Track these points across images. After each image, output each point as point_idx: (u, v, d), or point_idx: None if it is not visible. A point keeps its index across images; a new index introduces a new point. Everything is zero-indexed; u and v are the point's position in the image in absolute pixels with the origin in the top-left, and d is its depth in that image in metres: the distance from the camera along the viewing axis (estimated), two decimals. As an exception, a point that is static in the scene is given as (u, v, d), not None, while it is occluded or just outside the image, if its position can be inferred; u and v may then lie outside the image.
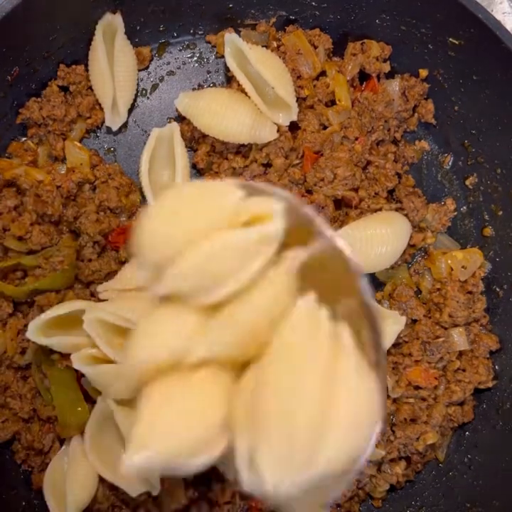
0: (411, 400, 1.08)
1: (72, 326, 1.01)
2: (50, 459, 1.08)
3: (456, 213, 1.18)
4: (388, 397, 1.10)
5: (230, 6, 1.14)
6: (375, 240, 1.07)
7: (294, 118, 1.09)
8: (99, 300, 1.07)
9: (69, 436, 1.05)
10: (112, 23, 1.07)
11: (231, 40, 1.07)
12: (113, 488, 1.05)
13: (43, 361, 1.06)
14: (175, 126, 1.11)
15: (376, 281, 1.14)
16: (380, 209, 1.13)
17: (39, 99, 1.11)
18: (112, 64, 1.07)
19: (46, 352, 1.06)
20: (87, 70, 1.12)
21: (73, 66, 1.12)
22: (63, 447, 1.07)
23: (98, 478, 1.04)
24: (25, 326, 1.08)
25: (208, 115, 1.05)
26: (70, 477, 1.02)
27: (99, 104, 1.13)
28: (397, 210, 1.14)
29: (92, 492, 1.03)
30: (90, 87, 1.13)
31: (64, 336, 0.99)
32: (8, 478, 1.08)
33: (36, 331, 0.99)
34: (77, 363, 0.97)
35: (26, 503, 1.08)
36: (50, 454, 1.08)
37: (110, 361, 0.98)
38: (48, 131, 1.12)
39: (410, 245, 1.15)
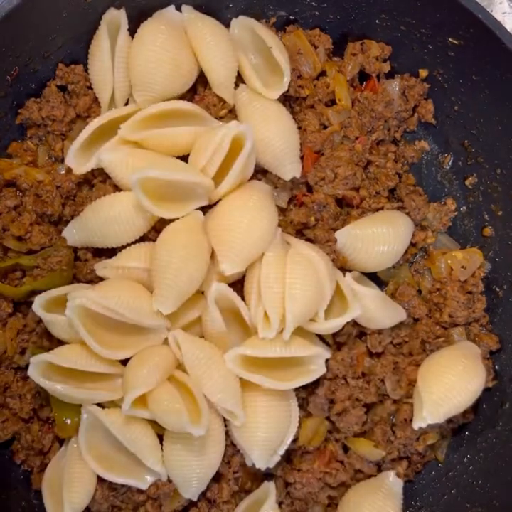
0: (411, 401, 1.08)
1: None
2: (49, 459, 1.08)
3: (456, 213, 1.18)
4: (388, 397, 1.10)
5: (230, 5, 1.14)
6: (377, 238, 1.07)
7: (286, 87, 1.07)
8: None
9: (68, 436, 1.05)
10: (115, 18, 1.07)
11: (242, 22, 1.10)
12: (112, 488, 1.04)
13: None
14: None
15: (378, 281, 1.14)
16: (382, 208, 1.13)
17: (38, 100, 1.11)
18: (113, 59, 1.07)
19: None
20: (85, 70, 1.12)
21: (72, 66, 1.12)
22: (63, 448, 1.08)
23: (96, 479, 1.04)
24: (25, 326, 1.08)
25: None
26: (66, 478, 1.02)
27: (97, 104, 1.13)
28: (398, 209, 1.14)
29: (89, 493, 1.03)
30: (88, 87, 1.13)
31: (61, 316, 0.99)
32: (8, 478, 1.08)
33: (40, 305, 0.99)
34: (34, 374, 0.97)
35: (26, 503, 1.08)
36: (49, 454, 1.09)
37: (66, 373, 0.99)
38: (48, 131, 1.12)
39: (412, 244, 1.15)
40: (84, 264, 1.08)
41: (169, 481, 1.04)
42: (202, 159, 1.00)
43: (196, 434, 0.94)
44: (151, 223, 1.04)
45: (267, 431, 1.00)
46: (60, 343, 1.04)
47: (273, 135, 1.05)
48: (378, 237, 1.07)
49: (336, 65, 1.16)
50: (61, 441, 1.08)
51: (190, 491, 1.02)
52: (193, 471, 1.01)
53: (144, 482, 1.03)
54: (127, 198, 1.03)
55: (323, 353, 1.01)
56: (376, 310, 1.05)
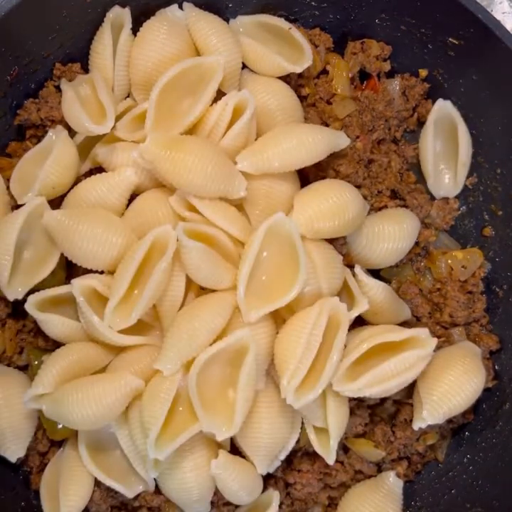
0: (411, 401, 1.08)
1: (69, 314, 1.02)
2: (48, 460, 1.08)
3: (459, 212, 1.18)
4: (389, 398, 1.10)
5: (230, 5, 1.14)
6: (382, 236, 1.07)
7: (310, 62, 1.07)
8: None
9: (61, 438, 1.05)
10: (119, 16, 1.08)
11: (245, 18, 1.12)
12: (111, 489, 1.04)
13: (35, 366, 1.06)
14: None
15: (381, 279, 1.13)
16: (385, 207, 1.13)
17: (37, 100, 1.11)
18: (114, 57, 1.07)
19: (38, 355, 1.06)
20: (82, 68, 1.12)
21: (69, 64, 1.11)
22: (61, 448, 1.07)
23: (94, 481, 1.03)
24: (24, 326, 1.08)
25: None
26: (63, 480, 1.02)
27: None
28: (400, 207, 1.14)
29: (86, 495, 1.03)
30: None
31: (55, 315, 1.00)
32: (8, 478, 1.08)
33: (34, 304, 0.99)
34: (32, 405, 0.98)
35: (25, 504, 1.08)
36: (48, 455, 1.08)
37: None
38: (46, 132, 1.12)
39: (416, 243, 1.14)
40: (80, 267, 1.07)
41: (158, 493, 1.04)
42: (205, 129, 1.01)
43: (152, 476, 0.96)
44: (127, 197, 1.03)
45: (271, 437, 1.00)
46: (56, 342, 1.04)
47: (275, 108, 1.06)
48: (383, 234, 1.07)
49: (338, 58, 1.17)
50: (61, 442, 1.08)
51: (194, 509, 1.02)
52: (189, 493, 1.00)
53: (131, 490, 1.02)
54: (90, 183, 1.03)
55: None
56: (384, 303, 1.04)
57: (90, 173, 1.09)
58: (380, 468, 1.11)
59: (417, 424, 1.02)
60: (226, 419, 0.95)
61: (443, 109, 1.14)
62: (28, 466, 1.09)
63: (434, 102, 1.17)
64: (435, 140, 1.15)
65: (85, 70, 1.12)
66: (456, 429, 1.14)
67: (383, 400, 1.10)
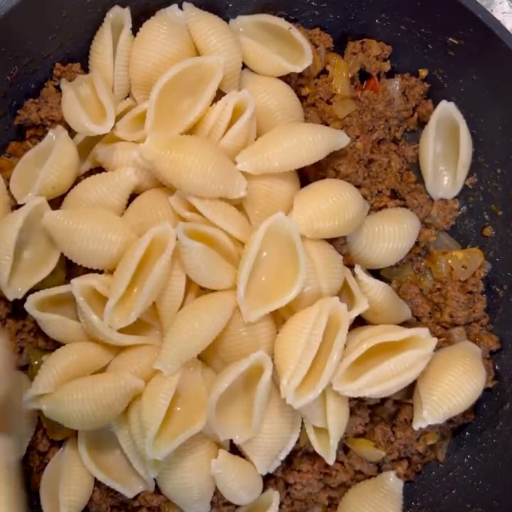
0: (411, 401, 1.08)
1: (69, 314, 1.02)
2: (48, 460, 1.08)
3: (459, 212, 1.18)
4: (389, 398, 1.10)
5: (230, 5, 1.14)
6: (382, 236, 1.07)
7: (310, 62, 1.07)
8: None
9: (61, 438, 1.05)
10: (119, 16, 1.08)
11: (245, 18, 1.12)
12: (111, 489, 1.04)
13: (35, 366, 1.06)
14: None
15: (381, 279, 1.13)
16: (385, 207, 1.13)
17: (37, 100, 1.11)
18: (114, 57, 1.07)
19: (38, 355, 1.06)
20: (82, 68, 1.12)
21: (69, 64, 1.11)
22: (61, 448, 1.07)
23: (93, 481, 1.03)
24: (24, 326, 1.08)
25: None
26: (63, 480, 1.02)
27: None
28: (400, 207, 1.14)
29: (86, 495, 1.03)
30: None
31: (55, 315, 1.00)
32: (7, 478, 1.08)
33: (34, 304, 0.99)
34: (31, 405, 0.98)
35: (25, 504, 1.07)
36: (48, 455, 1.08)
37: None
38: (46, 132, 1.12)
39: (416, 243, 1.14)
40: (79, 266, 1.07)
41: (158, 493, 1.04)
42: (205, 129, 1.02)
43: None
44: (127, 197, 1.03)
45: (271, 437, 1.00)
46: (56, 342, 1.04)
47: (275, 108, 1.06)
48: (383, 234, 1.07)
49: (338, 57, 1.17)
50: (61, 442, 1.08)
51: (194, 509, 1.02)
52: (189, 493, 1.00)
53: (131, 490, 1.02)
54: (89, 184, 1.03)
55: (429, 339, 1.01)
56: (384, 303, 1.04)
57: (90, 173, 1.09)
58: (380, 468, 1.11)
59: (417, 424, 1.02)
60: (242, 424, 0.96)
61: (446, 110, 1.14)
62: (28, 466, 1.09)
63: (434, 102, 1.17)
64: (436, 141, 1.15)
65: (85, 70, 1.13)
66: (456, 429, 1.14)
67: (383, 400, 1.10)
